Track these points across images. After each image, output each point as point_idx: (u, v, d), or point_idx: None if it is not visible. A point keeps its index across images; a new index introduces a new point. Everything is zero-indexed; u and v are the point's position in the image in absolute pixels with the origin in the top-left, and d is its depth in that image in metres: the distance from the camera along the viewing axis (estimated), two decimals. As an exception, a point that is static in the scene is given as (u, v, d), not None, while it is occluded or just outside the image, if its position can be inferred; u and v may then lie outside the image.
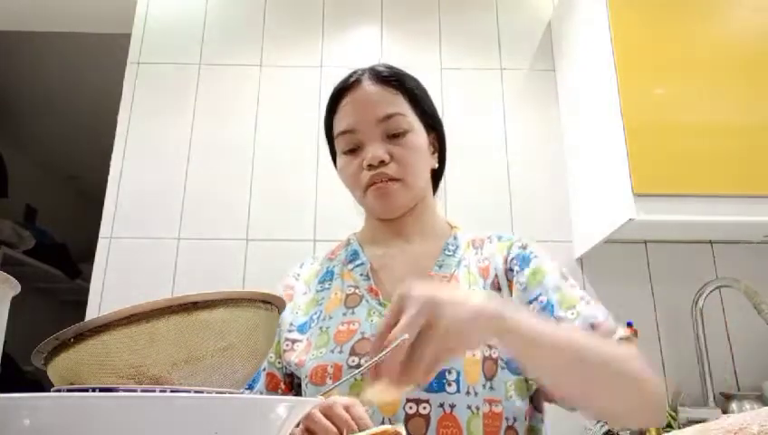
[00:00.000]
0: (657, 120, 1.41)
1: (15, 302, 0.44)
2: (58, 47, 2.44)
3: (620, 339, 0.72)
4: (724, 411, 1.45)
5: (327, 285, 0.87)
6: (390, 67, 0.88)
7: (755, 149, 1.39)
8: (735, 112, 1.42)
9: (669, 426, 1.42)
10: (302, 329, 0.84)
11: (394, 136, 0.82)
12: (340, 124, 0.85)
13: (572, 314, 0.73)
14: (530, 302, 0.77)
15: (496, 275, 0.82)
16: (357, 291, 0.83)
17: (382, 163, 0.80)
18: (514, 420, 0.74)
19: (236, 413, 0.33)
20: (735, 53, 1.46)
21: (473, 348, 0.61)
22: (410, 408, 0.71)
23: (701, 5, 1.51)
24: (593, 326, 0.72)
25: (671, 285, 1.63)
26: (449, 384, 0.71)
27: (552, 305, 0.75)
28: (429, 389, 0.71)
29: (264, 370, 0.85)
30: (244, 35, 1.87)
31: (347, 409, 0.61)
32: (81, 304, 1.58)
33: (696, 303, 1.53)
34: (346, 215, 1.69)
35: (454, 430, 0.70)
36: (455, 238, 0.88)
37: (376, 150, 0.80)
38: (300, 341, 0.83)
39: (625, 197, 1.36)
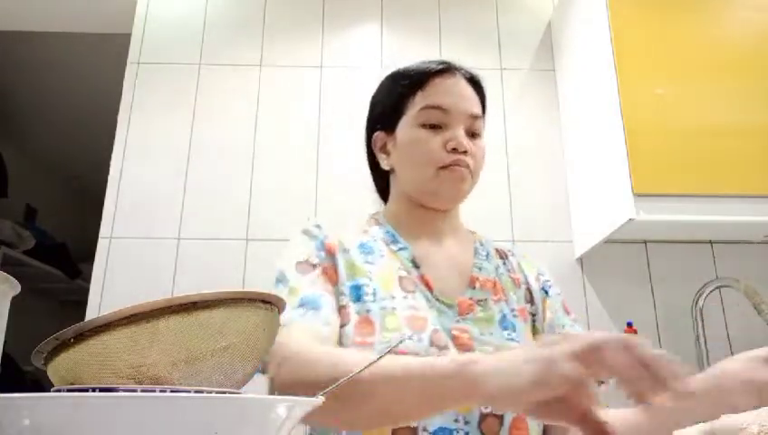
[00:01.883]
0: (657, 120, 1.41)
1: (15, 302, 0.44)
2: (58, 47, 2.44)
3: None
4: (724, 411, 1.45)
5: (370, 259, 0.81)
6: (474, 72, 0.91)
7: (755, 149, 1.39)
8: (735, 112, 1.42)
9: (669, 426, 1.42)
10: (352, 293, 0.77)
11: (473, 135, 0.84)
12: (433, 98, 0.83)
13: None
14: (547, 326, 0.84)
15: (528, 290, 0.86)
16: (409, 276, 0.80)
17: (465, 153, 0.81)
18: (538, 425, 0.76)
19: (236, 413, 0.33)
20: (736, 53, 1.46)
21: None
22: (485, 407, 0.70)
23: (701, 5, 1.51)
24: None
25: (671, 285, 1.63)
26: None
27: None
28: None
29: (330, 299, 0.76)
30: (244, 35, 1.87)
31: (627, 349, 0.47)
32: (81, 304, 1.58)
33: (696, 303, 1.53)
34: (346, 215, 1.70)
35: (524, 432, 0.71)
36: (481, 244, 0.90)
37: (465, 138, 0.82)
38: (345, 307, 0.76)
39: (625, 197, 1.36)
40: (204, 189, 1.71)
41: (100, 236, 1.65)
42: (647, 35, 1.48)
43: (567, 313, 0.86)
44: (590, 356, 0.47)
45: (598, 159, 1.55)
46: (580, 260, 1.66)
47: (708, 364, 1.49)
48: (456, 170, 0.81)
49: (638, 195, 1.34)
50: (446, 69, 0.86)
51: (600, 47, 1.51)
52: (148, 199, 1.68)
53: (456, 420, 0.70)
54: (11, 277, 0.42)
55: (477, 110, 0.85)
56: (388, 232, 0.86)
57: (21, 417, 0.30)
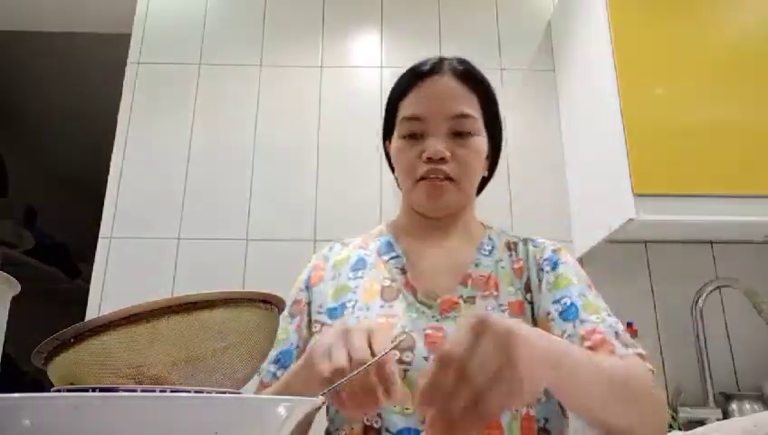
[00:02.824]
0: (657, 120, 1.41)
1: (15, 302, 0.44)
2: (58, 47, 2.44)
3: (638, 355, 0.72)
4: (724, 411, 1.45)
5: (360, 274, 0.84)
6: (469, 64, 0.87)
7: (755, 149, 1.39)
8: (735, 112, 1.42)
9: (669, 426, 1.42)
10: (331, 314, 0.82)
11: (460, 135, 0.81)
12: (408, 109, 0.83)
13: (597, 318, 0.74)
14: (554, 302, 0.77)
15: (529, 277, 0.83)
16: (393, 284, 0.81)
17: (442, 160, 0.79)
18: (546, 420, 0.75)
19: (236, 413, 0.33)
20: (735, 53, 1.46)
21: (533, 397, 0.53)
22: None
23: (701, 6, 1.51)
24: (617, 334, 0.72)
25: (671, 285, 1.63)
26: None
27: (577, 308, 0.76)
28: None
29: (298, 347, 0.83)
30: (244, 35, 1.87)
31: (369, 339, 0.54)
32: (81, 304, 1.58)
33: (696, 303, 1.53)
34: (346, 215, 1.70)
35: (496, 431, 0.70)
36: (489, 238, 0.88)
37: (438, 145, 0.79)
38: (329, 325, 0.81)
39: (625, 197, 1.36)
40: (204, 189, 1.71)
41: (100, 236, 1.65)
42: (647, 35, 1.48)
43: (590, 287, 0.79)
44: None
45: (598, 159, 1.54)
46: (581, 260, 1.66)
47: (708, 364, 1.49)
48: (430, 184, 0.79)
49: (638, 195, 1.34)
50: (431, 70, 0.83)
51: (600, 47, 1.51)
52: (148, 199, 1.68)
53: (423, 422, 0.69)
54: (11, 277, 0.42)
55: (463, 108, 0.81)
56: (385, 242, 0.88)
57: (21, 417, 0.30)
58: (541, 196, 1.73)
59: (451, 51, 1.87)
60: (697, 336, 1.51)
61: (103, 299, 1.59)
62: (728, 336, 1.59)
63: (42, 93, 2.81)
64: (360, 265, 0.86)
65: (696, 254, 1.66)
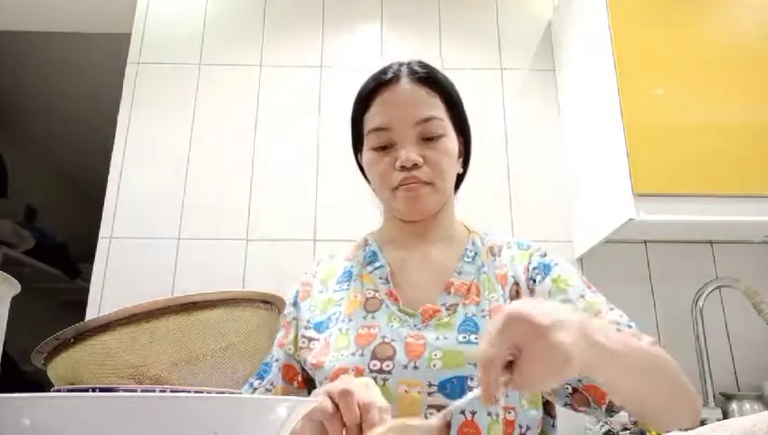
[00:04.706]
0: (657, 120, 1.41)
1: (15, 302, 0.44)
2: (58, 47, 2.44)
3: (652, 343, 0.74)
4: (724, 411, 1.45)
5: (345, 286, 0.86)
6: (428, 66, 0.86)
7: (755, 149, 1.39)
8: (735, 112, 1.42)
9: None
10: (318, 327, 0.84)
11: (429, 139, 0.81)
12: (373, 120, 0.83)
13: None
14: None
15: (516, 283, 0.83)
16: (377, 295, 0.83)
17: (415, 166, 0.79)
18: (527, 428, 0.74)
19: (236, 413, 0.33)
20: (735, 53, 1.46)
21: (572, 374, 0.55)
22: (431, 414, 0.70)
23: (701, 6, 1.51)
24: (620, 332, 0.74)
25: (671, 285, 1.63)
26: (470, 391, 0.71)
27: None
28: (451, 395, 0.71)
29: (278, 361, 0.84)
30: (244, 35, 1.87)
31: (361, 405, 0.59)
32: (81, 304, 1.58)
33: (696, 303, 1.53)
34: (346, 215, 1.70)
35: None
36: (473, 244, 0.88)
37: (410, 153, 0.79)
38: (316, 340, 0.82)
39: (625, 197, 1.36)
40: (204, 189, 1.71)
41: (100, 236, 1.65)
42: (647, 35, 1.48)
43: (587, 285, 0.81)
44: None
45: (598, 159, 1.55)
46: (580, 260, 1.66)
47: (708, 364, 1.49)
48: (408, 189, 0.80)
49: (638, 195, 1.34)
50: (389, 79, 0.83)
51: (600, 47, 1.51)
52: (148, 199, 1.68)
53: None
54: (11, 277, 0.42)
55: (427, 112, 0.81)
56: (370, 253, 0.89)
57: (21, 417, 0.30)
58: (541, 196, 1.73)
59: (451, 51, 1.88)
60: (697, 336, 1.51)
61: (103, 299, 1.59)
62: (728, 336, 1.59)
63: (42, 93, 2.81)
64: (345, 277, 0.88)
65: (696, 254, 1.66)
